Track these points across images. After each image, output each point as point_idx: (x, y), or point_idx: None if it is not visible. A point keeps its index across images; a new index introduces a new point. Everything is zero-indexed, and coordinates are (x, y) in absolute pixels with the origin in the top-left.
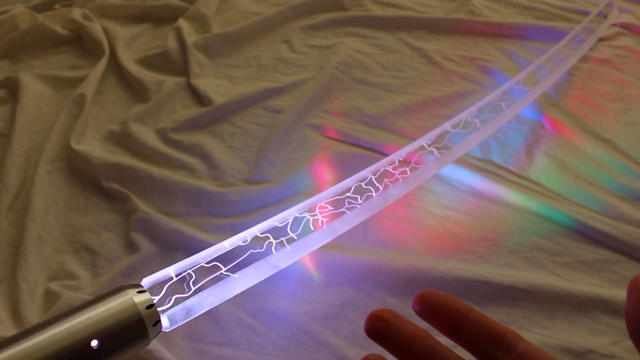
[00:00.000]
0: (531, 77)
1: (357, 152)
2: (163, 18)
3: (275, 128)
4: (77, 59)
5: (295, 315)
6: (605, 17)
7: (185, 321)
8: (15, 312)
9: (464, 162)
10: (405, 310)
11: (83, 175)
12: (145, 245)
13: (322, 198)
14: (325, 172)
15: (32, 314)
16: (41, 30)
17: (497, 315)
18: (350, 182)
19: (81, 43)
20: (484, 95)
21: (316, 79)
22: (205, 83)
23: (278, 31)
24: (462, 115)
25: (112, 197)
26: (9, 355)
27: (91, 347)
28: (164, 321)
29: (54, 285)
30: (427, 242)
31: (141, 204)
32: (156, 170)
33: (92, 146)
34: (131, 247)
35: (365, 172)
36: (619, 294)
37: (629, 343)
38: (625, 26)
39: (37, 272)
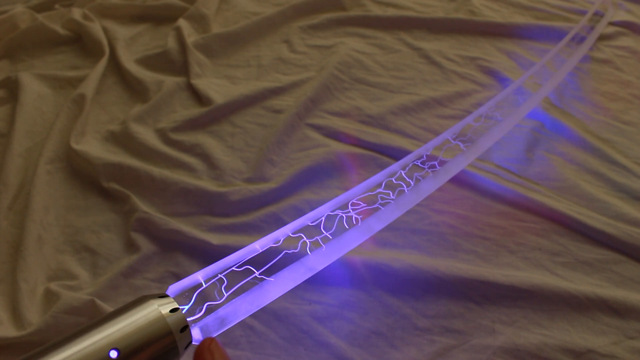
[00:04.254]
0: (533, 78)
1: (357, 152)
2: (163, 18)
3: (275, 128)
4: (77, 59)
5: (295, 315)
6: (603, 15)
7: (220, 332)
8: (15, 312)
9: None
10: (405, 310)
11: (83, 175)
12: (145, 245)
13: (354, 194)
14: (325, 172)
15: (32, 314)
16: (41, 30)
17: (497, 315)
18: (380, 177)
19: (81, 43)
20: (484, 95)
21: (316, 79)
22: (205, 83)
23: (278, 31)
24: (482, 110)
25: (112, 197)
26: None
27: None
28: (196, 333)
29: (53, 285)
30: (427, 242)
31: (141, 204)
32: (156, 170)
33: (92, 146)
34: (131, 247)
35: (395, 167)
36: (619, 294)
37: (629, 343)
38: (626, 25)
39: (37, 272)
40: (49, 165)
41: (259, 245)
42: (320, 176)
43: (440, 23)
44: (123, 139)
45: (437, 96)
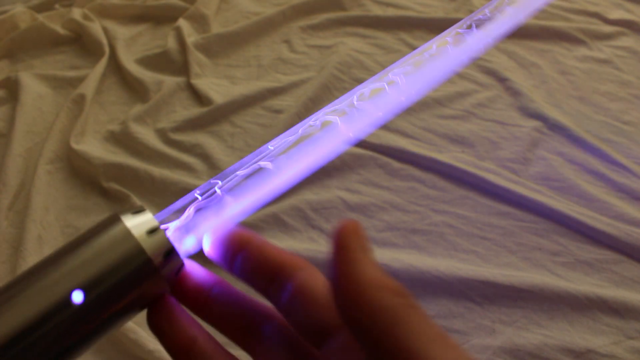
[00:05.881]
0: None
1: (357, 152)
2: (163, 18)
3: (275, 128)
4: (77, 59)
5: None
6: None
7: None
8: None
9: (463, 161)
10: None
11: (83, 175)
12: None
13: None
14: (325, 172)
15: None
16: (41, 30)
17: (497, 315)
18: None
19: (81, 43)
20: (484, 95)
21: (316, 78)
22: (205, 83)
23: (278, 31)
24: None
25: (112, 197)
26: None
27: (75, 304)
28: (190, 242)
29: None
30: (427, 242)
31: (141, 204)
32: (156, 170)
33: (92, 146)
34: None
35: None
36: (619, 294)
37: (629, 343)
38: (626, 25)
39: None
40: (49, 165)
41: (271, 146)
42: (320, 176)
43: (440, 23)
44: (123, 139)
45: (437, 96)
